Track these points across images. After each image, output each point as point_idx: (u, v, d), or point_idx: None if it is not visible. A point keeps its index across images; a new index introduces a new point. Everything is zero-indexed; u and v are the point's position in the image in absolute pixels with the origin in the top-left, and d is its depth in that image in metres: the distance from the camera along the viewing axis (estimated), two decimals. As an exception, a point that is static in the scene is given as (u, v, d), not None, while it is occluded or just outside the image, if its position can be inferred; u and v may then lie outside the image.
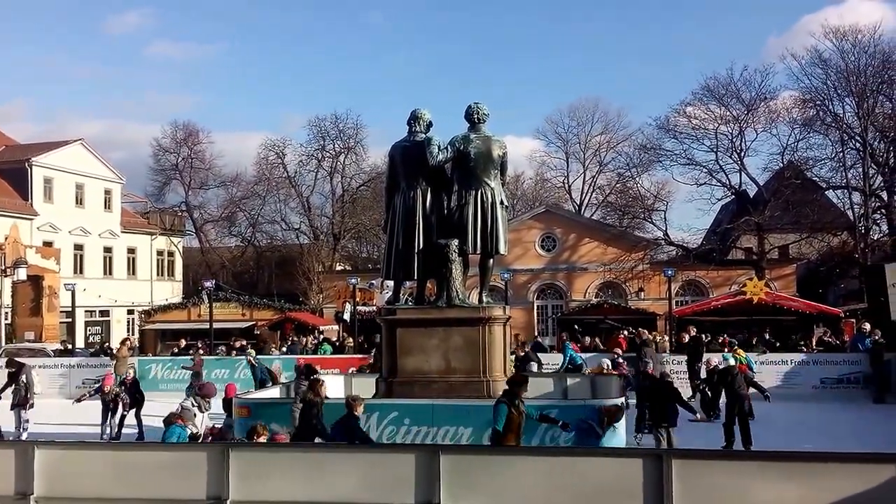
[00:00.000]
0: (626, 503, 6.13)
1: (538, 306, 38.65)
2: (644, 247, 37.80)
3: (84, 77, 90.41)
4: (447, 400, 11.60)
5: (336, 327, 31.43)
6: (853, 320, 25.17)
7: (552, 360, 20.39)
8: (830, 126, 35.96)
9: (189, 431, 10.35)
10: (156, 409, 15.44)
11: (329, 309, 37.75)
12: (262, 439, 9.05)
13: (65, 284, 31.01)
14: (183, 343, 26.11)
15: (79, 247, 41.90)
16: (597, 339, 24.48)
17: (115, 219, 44.79)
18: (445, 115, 42.35)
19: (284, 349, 25.75)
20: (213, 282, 29.92)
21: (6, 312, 32.05)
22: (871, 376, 19.40)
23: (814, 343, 23.80)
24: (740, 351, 17.71)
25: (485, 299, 12.84)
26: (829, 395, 19.31)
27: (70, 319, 30.98)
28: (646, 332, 23.16)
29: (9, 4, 77.91)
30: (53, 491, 6.95)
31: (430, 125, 12.86)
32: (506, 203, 12.73)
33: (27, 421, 15.35)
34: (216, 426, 12.73)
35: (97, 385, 15.83)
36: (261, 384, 16.32)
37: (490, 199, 12.32)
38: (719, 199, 39.35)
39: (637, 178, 41.51)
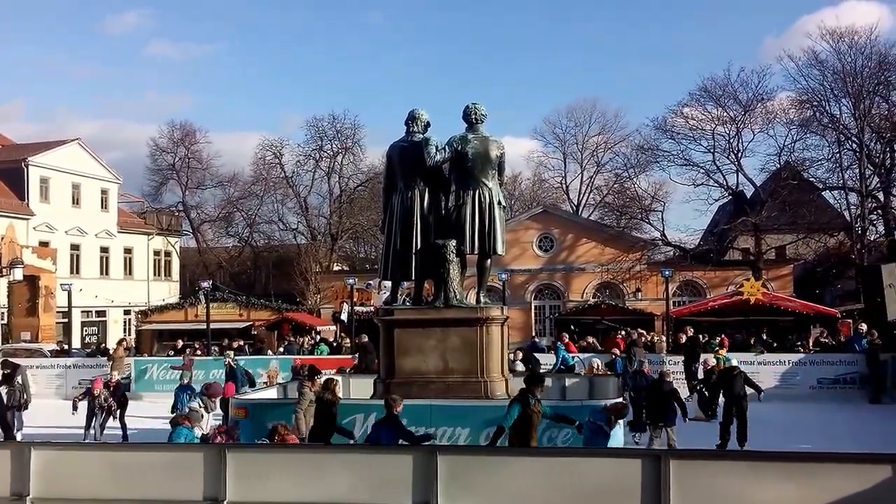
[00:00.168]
0: (623, 503, 6.13)
1: (535, 306, 38.65)
2: (641, 247, 37.79)
3: (83, 77, 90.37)
4: (445, 400, 11.58)
5: (333, 328, 31.42)
6: (850, 321, 25.16)
7: (548, 361, 20.36)
8: (827, 127, 36.07)
9: (197, 433, 10.28)
10: (156, 409, 15.48)
11: (326, 309, 37.70)
12: (292, 439, 9.05)
13: (61, 284, 30.99)
14: (180, 343, 25.97)
15: (75, 247, 41.75)
16: (594, 340, 24.45)
17: (112, 219, 44.66)
18: (445, 116, 42.39)
19: (281, 350, 25.71)
20: (210, 282, 29.82)
21: (2, 313, 31.99)
22: (867, 377, 19.44)
23: (811, 343, 23.84)
24: (722, 351, 17.70)
25: (482, 300, 12.82)
26: (825, 396, 19.36)
27: (66, 320, 30.89)
28: (634, 332, 23.24)
29: (9, 4, 77.83)
30: (49, 492, 6.93)
31: (427, 125, 12.87)
32: (503, 203, 12.74)
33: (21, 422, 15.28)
34: (222, 425, 12.64)
35: (85, 389, 15.76)
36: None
37: (488, 200, 12.32)
38: (716, 200, 39.47)
39: (634, 179, 41.53)
